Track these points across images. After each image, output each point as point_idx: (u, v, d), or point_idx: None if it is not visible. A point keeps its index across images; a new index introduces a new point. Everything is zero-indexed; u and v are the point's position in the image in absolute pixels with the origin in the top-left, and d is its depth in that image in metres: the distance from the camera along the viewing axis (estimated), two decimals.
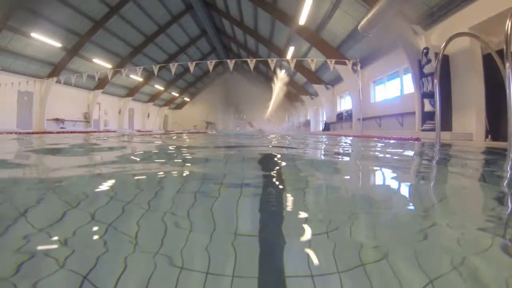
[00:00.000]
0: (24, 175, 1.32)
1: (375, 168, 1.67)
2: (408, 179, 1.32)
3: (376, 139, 5.55)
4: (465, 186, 1.16)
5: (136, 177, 1.24)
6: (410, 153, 2.66)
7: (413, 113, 7.34)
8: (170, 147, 3.04)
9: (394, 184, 1.21)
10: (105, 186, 1.02)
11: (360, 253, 0.51)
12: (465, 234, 0.63)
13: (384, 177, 1.38)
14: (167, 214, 0.71)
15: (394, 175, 1.39)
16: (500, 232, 0.64)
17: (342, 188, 1.09)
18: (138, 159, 1.99)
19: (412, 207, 0.86)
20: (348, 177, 1.42)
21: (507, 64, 2.54)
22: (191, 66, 11.37)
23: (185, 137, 6.49)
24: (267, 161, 1.93)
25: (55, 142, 3.69)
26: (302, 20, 9.87)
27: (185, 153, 2.46)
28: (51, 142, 3.82)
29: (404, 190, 1.09)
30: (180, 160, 1.92)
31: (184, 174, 1.32)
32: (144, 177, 1.24)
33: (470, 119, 5.60)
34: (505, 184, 1.19)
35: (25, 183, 1.15)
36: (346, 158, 2.34)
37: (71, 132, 10.92)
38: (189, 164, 1.78)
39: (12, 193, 0.93)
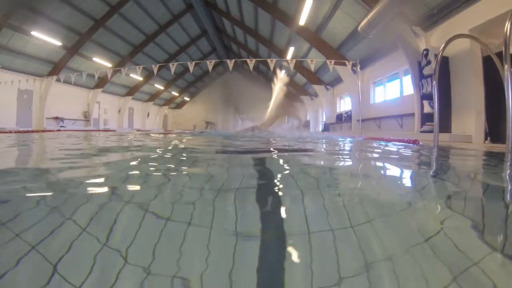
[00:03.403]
0: None
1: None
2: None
3: (375, 140, 5.53)
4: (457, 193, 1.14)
5: None
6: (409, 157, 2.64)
7: (413, 114, 7.33)
8: None
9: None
10: None
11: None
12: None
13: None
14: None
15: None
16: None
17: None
18: None
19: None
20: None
21: (506, 66, 2.53)
22: (191, 66, 11.36)
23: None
24: None
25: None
26: (302, 20, 9.86)
27: None
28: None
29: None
30: None
31: None
32: None
33: (470, 121, 5.58)
34: (506, 190, 1.17)
35: None
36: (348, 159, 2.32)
37: (72, 131, 10.91)
38: None
39: None
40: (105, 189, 1.02)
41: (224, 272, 0.48)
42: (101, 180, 1.21)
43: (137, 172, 1.42)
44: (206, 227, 0.65)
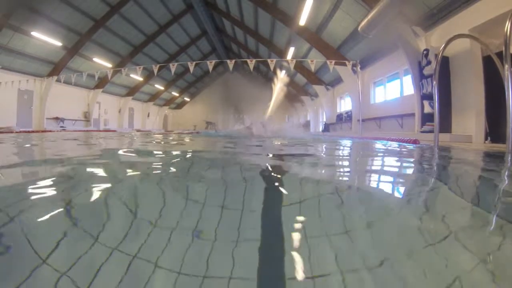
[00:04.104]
0: None
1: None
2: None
3: (375, 140, 5.53)
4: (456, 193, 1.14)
5: None
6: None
7: (413, 114, 7.32)
8: None
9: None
10: None
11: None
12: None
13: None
14: None
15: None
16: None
17: None
18: None
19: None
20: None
21: (506, 66, 2.52)
22: (191, 66, 11.36)
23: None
24: None
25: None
26: (303, 20, 9.86)
27: None
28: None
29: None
30: None
31: None
32: None
33: (470, 121, 5.58)
34: (501, 190, 1.17)
35: None
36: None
37: (74, 132, 10.91)
38: None
39: None
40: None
41: None
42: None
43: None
44: None
